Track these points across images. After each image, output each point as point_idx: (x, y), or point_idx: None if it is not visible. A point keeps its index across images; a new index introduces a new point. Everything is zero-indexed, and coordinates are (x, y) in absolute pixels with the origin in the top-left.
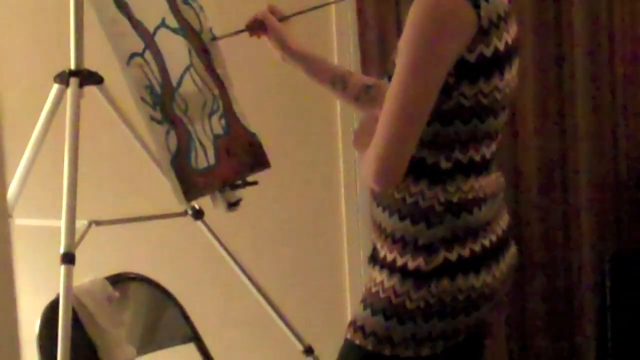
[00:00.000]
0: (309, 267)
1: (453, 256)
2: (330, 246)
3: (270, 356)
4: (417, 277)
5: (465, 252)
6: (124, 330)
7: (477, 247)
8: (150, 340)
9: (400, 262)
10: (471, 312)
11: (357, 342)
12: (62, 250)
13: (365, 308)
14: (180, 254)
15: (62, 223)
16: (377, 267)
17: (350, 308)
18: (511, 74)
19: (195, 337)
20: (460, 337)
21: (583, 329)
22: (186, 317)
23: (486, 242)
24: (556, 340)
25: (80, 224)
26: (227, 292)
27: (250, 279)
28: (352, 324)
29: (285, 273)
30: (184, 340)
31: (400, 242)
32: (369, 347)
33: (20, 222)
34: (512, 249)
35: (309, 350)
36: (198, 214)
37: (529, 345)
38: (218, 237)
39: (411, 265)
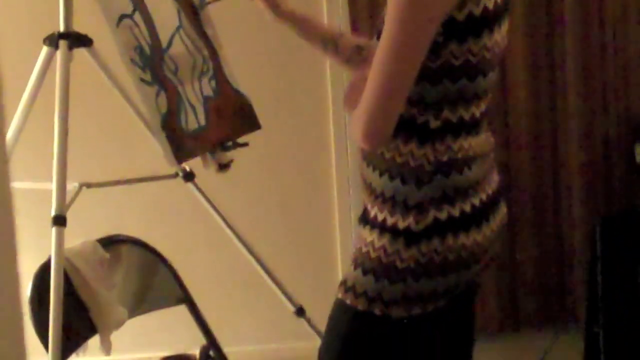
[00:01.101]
0: (300, 228)
1: (443, 215)
2: (321, 207)
3: (261, 317)
4: (408, 237)
5: (455, 212)
6: (116, 292)
7: (467, 207)
8: (142, 302)
9: (390, 221)
10: (461, 271)
11: (348, 302)
12: (53, 212)
13: (355, 268)
14: (171, 216)
15: (53, 185)
16: (367, 227)
17: (341, 269)
18: (501, 34)
19: (186, 299)
20: (451, 296)
21: (573, 288)
22: (178, 279)
23: (476, 202)
24: (547, 300)
25: (71, 186)
26: (218, 254)
27: (241, 240)
28: (343, 284)
29: (276, 234)
30: (176, 302)
31: (390, 202)
32: (360, 307)
33: (11, 185)
34: (503, 209)
35: (300, 311)
36: (189, 176)
37: (520, 305)
38: (209, 198)
39: (401, 225)
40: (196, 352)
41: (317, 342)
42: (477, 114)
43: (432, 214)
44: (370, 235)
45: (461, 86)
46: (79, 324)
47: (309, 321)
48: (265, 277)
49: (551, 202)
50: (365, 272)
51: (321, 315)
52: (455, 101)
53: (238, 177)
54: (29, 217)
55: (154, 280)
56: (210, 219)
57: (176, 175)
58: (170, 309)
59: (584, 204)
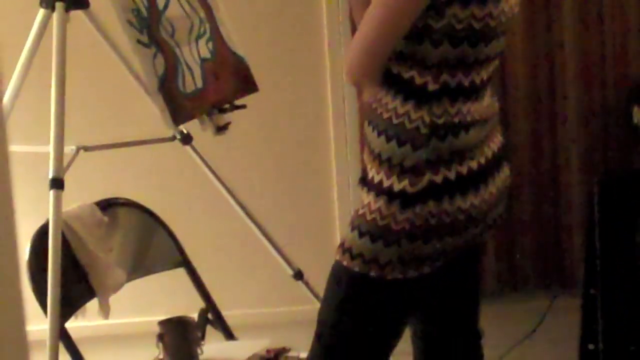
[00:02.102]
0: (298, 191)
1: (438, 178)
2: (319, 169)
3: (260, 281)
4: (403, 199)
5: (451, 175)
6: (114, 256)
7: (463, 170)
8: (140, 265)
9: (386, 183)
10: (458, 234)
11: (345, 263)
12: (50, 175)
13: (352, 230)
14: (169, 179)
15: (51, 148)
16: (365, 189)
17: (339, 232)
18: (509, 3)
19: (185, 262)
20: (449, 258)
21: (571, 250)
22: (176, 242)
23: (473, 165)
24: (545, 262)
25: (69, 149)
26: (216, 217)
27: (239, 203)
28: (341, 245)
29: (274, 197)
30: (174, 265)
31: (387, 163)
32: (356, 269)
33: (8, 148)
34: (505, 171)
35: (298, 275)
36: (186, 139)
37: (518, 267)
38: (207, 161)
39: (397, 187)
40: (195, 315)
41: (316, 305)
42: (477, 81)
43: (427, 176)
44: (367, 197)
45: (462, 51)
46: (77, 287)
47: (307, 284)
48: (264, 240)
49: (549, 164)
50: (361, 235)
51: (319, 278)
52: (455, 65)
53: (236, 140)
54: (27, 181)
55: (152, 243)
56: (208, 182)
57: (174, 138)
58: (168, 272)
59: (582, 166)
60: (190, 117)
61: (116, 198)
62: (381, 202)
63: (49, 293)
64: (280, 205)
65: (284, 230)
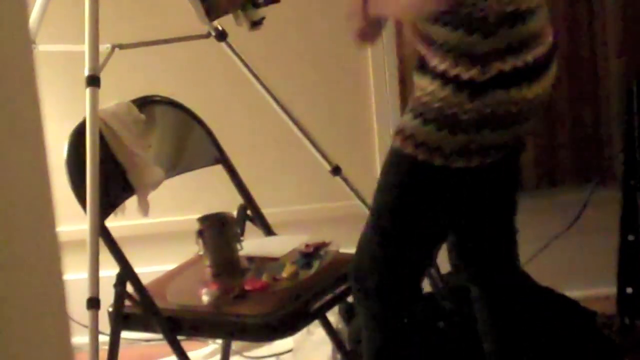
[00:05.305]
0: (335, 86)
1: (507, 67)
2: (356, 64)
3: (298, 176)
4: (471, 88)
5: (519, 63)
6: (152, 153)
7: (529, 58)
8: (178, 162)
9: (453, 72)
10: (523, 123)
11: (407, 150)
12: (86, 73)
13: (415, 117)
14: (205, 76)
15: (86, 46)
16: (427, 76)
17: (376, 128)
18: None
19: (222, 159)
20: (509, 148)
21: (610, 142)
22: (213, 139)
23: (538, 52)
24: (583, 154)
25: (104, 47)
26: (253, 114)
27: (275, 99)
28: (401, 132)
29: (310, 93)
30: (212, 162)
31: (453, 52)
32: (419, 157)
33: (43, 48)
34: (555, 64)
35: (336, 170)
36: (221, 35)
37: (556, 161)
38: (242, 57)
39: (465, 76)
40: (234, 212)
41: (354, 201)
42: None
43: (496, 65)
44: (430, 85)
45: None
46: (116, 184)
47: (345, 180)
48: (301, 136)
49: (587, 55)
50: (426, 122)
51: (357, 173)
52: None
53: (270, 35)
54: (63, 81)
55: (189, 140)
56: (244, 79)
57: (209, 35)
58: (207, 169)
59: (621, 55)
60: (224, 12)
61: (153, 96)
62: (448, 91)
63: (87, 190)
64: (317, 100)
65: (321, 126)
